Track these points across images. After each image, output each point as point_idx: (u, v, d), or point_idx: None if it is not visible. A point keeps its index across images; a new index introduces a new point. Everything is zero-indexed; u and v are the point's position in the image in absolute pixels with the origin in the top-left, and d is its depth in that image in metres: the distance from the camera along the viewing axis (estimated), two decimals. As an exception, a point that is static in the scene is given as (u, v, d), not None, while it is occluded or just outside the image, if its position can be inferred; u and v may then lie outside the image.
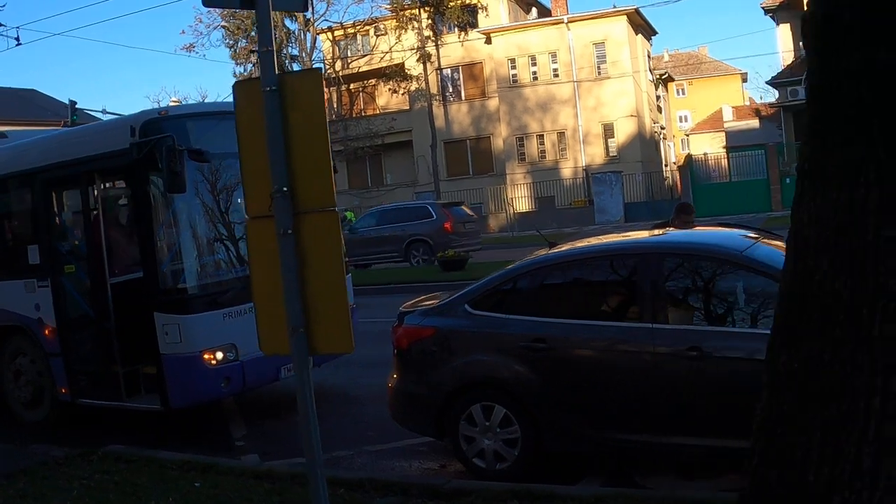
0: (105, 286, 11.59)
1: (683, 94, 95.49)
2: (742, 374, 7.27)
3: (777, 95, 52.79)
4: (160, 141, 10.64)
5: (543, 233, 12.66)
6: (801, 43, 48.84)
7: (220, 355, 11.21)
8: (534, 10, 63.82)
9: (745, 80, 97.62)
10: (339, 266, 5.91)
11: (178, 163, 10.56)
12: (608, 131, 57.89)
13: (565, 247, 9.74)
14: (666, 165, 69.03)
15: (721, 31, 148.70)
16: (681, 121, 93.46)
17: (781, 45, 56.52)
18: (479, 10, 58.77)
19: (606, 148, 58.17)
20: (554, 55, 57.97)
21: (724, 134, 77.34)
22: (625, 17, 57.83)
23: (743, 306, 8.15)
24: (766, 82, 57.06)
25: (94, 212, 11.89)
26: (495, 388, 8.58)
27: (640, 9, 58.19)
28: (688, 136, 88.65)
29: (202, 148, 11.03)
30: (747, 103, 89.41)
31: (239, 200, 11.69)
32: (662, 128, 69.93)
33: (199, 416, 12.07)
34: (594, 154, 57.77)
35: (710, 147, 77.48)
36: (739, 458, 4.69)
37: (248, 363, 11.37)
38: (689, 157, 53.33)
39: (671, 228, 11.26)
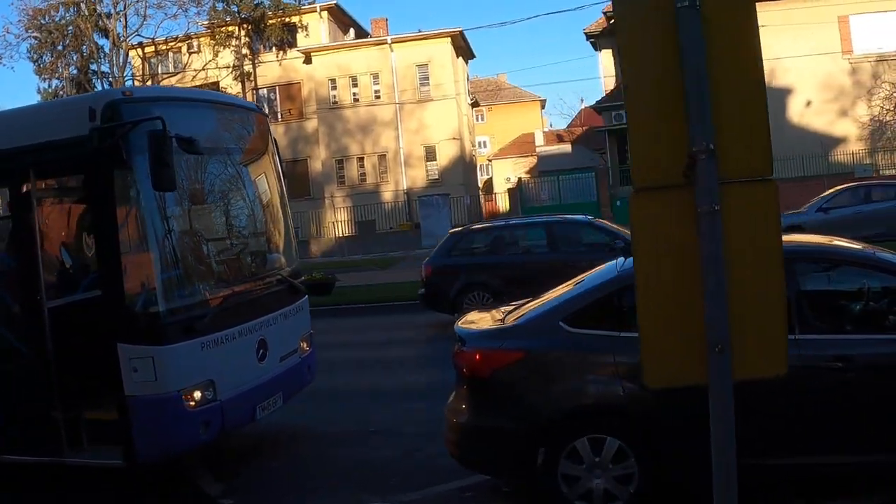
0: (40, 310, 9.13)
1: (483, 119, 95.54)
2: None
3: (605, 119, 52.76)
4: (141, 126, 8.56)
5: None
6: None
7: (198, 395, 9.08)
8: (351, 30, 62.30)
9: (543, 107, 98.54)
10: (778, 257, 4.14)
11: (169, 153, 8.48)
12: (430, 154, 57.14)
13: None
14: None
15: (522, 59, 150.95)
16: (480, 146, 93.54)
17: (603, 70, 56.90)
18: (299, 30, 57.20)
19: (427, 171, 57.25)
20: (376, 76, 56.84)
21: (526, 159, 77.83)
22: (449, 39, 57.29)
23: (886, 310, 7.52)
24: (591, 107, 57.27)
25: (28, 217, 9.31)
26: (607, 416, 7.46)
27: (464, 31, 57.69)
28: (490, 161, 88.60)
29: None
30: (547, 129, 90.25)
31: (216, 202, 9.53)
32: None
33: (156, 472, 9.81)
34: (416, 177, 56.90)
35: (513, 172, 77.82)
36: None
37: (226, 403, 9.36)
38: (519, 181, 53.12)
39: None
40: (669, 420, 7.11)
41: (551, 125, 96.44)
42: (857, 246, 8.20)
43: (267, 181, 11.10)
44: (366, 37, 61.42)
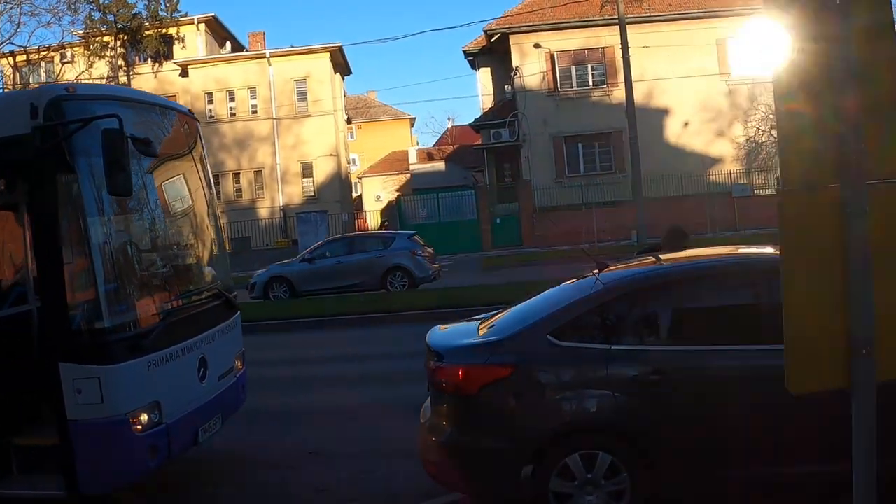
0: None
1: (353, 137, 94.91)
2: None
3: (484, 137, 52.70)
4: (94, 124, 7.90)
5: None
6: (506, 87, 50.00)
7: (144, 418, 8.35)
8: (228, 44, 61.17)
9: (412, 125, 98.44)
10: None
11: (126, 155, 7.85)
12: (307, 170, 56.51)
13: (664, 262, 8.69)
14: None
15: (394, 77, 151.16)
16: (351, 164, 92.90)
17: (482, 88, 57.03)
18: (176, 41, 55.90)
19: (304, 187, 56.59)
20: (254, 90, 56.03)
21: (397, 177, 77.67)
22: (328, 54, 56.78)
23: None
24: (470, 125, 57.22)
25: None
26: (599, 431, 7.28)
27: (343, 47, 57.27)
28: (360, 178, 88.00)
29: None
30: (417, 147, 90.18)
31: (160, 211, 8.88)
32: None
33: None
34: (292, 193, 56.21)
35: (383, 190, 77.52)
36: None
37: (172, 426, 8.68)
38: (398, 198, 52.75)
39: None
40: (662, 434, 7.08)
41: (419, 143, 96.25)
42: None
43: (203, 190, 10.44)
44: (243, 51, 60.37)
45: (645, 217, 42.05)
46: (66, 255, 8.02)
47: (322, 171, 56.45)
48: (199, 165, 10.36)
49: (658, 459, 7.15)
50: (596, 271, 8.13)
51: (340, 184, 58.01)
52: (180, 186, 9.93)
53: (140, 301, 8.69)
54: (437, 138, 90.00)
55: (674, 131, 51.49)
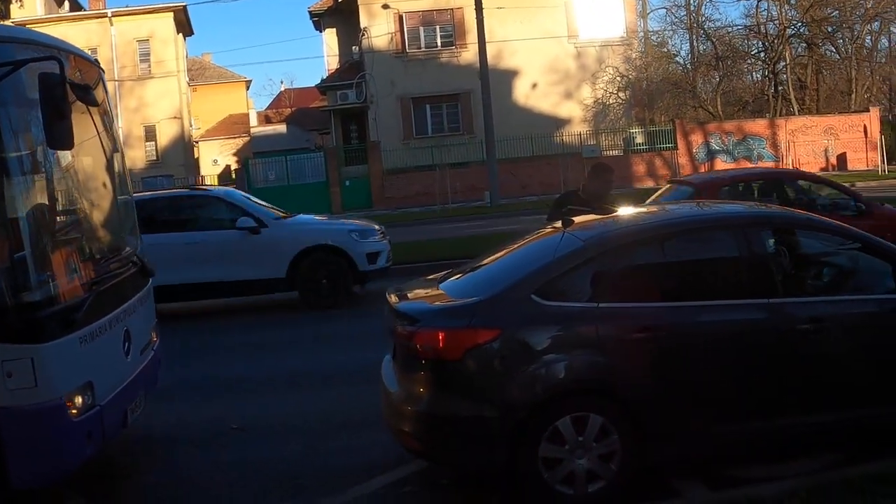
0: None
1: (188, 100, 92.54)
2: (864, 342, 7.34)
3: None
4: (27, 68, 7.05)
5: None
6: (353, 48, 49.32)
7: (79, 401, 7.49)
8: (66, 3, 58.54)
9: (248, 88, 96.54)
10: None
11: (67, 104, 6.99)
12: (150, 134, 54.66)
13: (644, 217, 8.78)
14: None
15: (231, 39, 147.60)
16: (191, 127, 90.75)
17: (327, 49, 56.14)
18: (13, 1, 53.02)
19: (147, 151, 54.85)
20: (94, 51, 53.54)
21: (234, 140, 76.36)
22: (171, 14, 54.94)
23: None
24: (316, 86, 56.20)
25: None
26: (589, 393, 7.03)
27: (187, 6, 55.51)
28: (197, 143, 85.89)
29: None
30: (254, 110, 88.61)
31: (81, 169, 8.08)
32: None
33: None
34: (135, 157, 54.33)
35: (220, 154, 76.00)
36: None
37: (105, 408, 7.85)
38: (245, 160, 51.57)
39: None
40: (652, 393, 6.98)
41: (255, 106, 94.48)
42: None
43: (115, 147, 9.53)
44: (82, 10, 58.02)
45: (498, 178, 42.03)
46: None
47: (166, 135, 54.87)
48: (108, 121, 9.43)
49: (648, 419, 6.98)
50: (557, 229, 7.92)
51: (184, 147, 56.42)
52: (96, 143, 8.99)
53: (68, 271, 7.77)
54: (271, 101, 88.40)
55: (522, 93, 51.66)
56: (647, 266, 7.69)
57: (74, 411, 7.35)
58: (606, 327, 7.07)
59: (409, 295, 8.15)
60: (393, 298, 8.07)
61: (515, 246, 8.56)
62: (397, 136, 50.96)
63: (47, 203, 7.90)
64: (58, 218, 8.20)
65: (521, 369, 6.93)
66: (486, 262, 8.41)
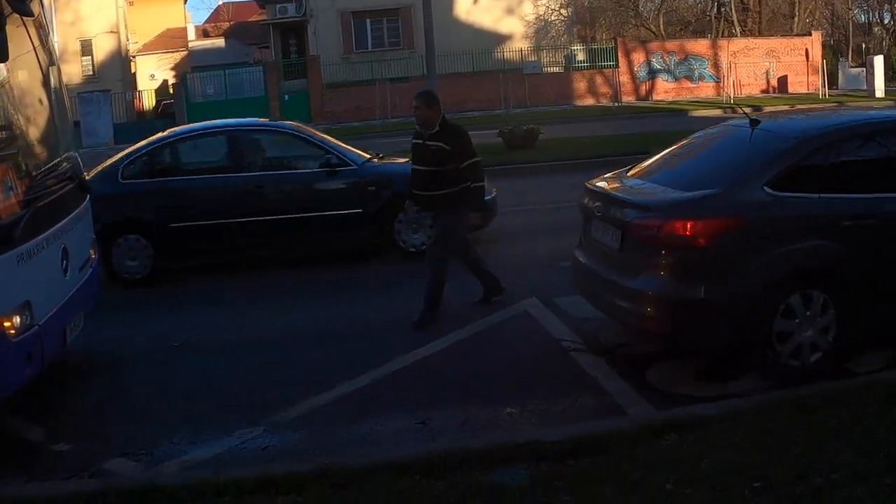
0: None
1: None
2: None
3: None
4: None
5: None
6: None
7: (17, 321, 7.35)
8: None
9: (186, 2, 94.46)
10: None
11: (1, 13, 6.97)
12: (86, 48, 53.40)
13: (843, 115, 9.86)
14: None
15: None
16: (128, 41, 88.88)
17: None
18: None
19: (83, 66, 53.62)
20: (25, -41, 51.99)
21: (172, 55, 75.00)
22: (106, -78, 53.30)
23: None
24: (255, 0, 55.20)
25: None
26: (815, 273, 7.85)
27: None
28: (134, 57, 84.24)
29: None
30: (192, 24, 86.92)
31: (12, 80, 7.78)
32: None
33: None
34: (71, 73, 53.03)
35: (158, 69, 74.76)
36: None
37: (44, 328, 7.74)
38: (183, 75, 50.66)
39: None
40: (866, 275, 7.76)
41: (192, 20, 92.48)
42: None
43: (52, 60, 9.25)
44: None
45: (438, 93, 41.56)
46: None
47: (102, 49, 53.73)
48: (44, 34, 9.14)
49: (861, 296, 7.78)
50: (744, 125, 8.67)
51: (121, 62, 55.26)
52: (31, 57, 8.71)
53: (3, 188, 7.55)
54: (209, 15, 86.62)
55: (464, 8, 51.16)
56: (861, 159, 8.29)
57: (12, 332, 7.22)
58: (828, 215, 7.82)
59: (629, 187, 8.89)
60: (610, 190, 8.89)
61: (694, 143, 9.47)
62: (337, 50, 50.31)
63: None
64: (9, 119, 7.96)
65: (760, 253, 7.65)
66: (663, 160, 9.31)
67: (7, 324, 7.14)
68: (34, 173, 8.26)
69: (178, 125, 41.62)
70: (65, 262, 8.41)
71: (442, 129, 9.89)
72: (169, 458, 7.19)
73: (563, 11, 53.19)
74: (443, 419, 7.58)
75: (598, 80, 50.11)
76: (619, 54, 50.19)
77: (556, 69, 50.66)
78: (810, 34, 53.28)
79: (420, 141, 10.01)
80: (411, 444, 7.04)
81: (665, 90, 50.03)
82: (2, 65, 7.69)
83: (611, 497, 5.51)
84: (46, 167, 8.67)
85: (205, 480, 6.17)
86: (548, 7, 51.49)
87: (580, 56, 51.99)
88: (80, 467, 7.04)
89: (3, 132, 7.98)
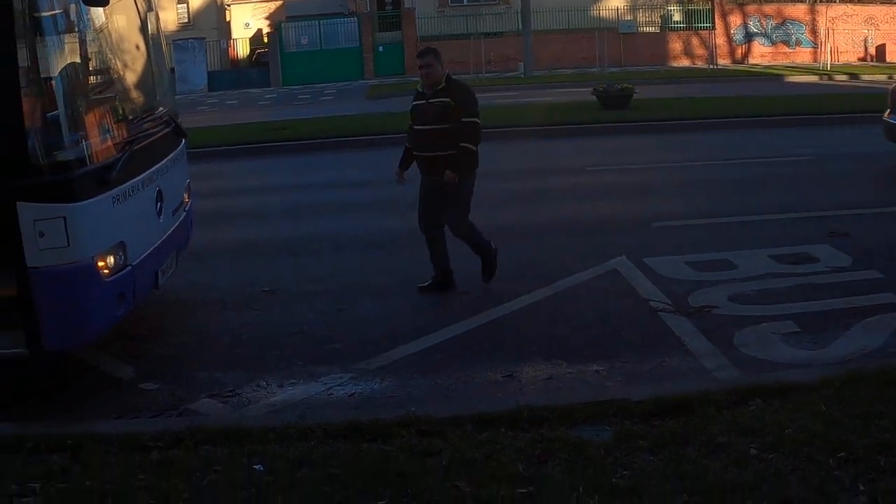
0: None
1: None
2: None
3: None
4: None
5: None
6: None
7: (111, 261, 7.47)
8: None
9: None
10: None
11: None
12: (182, -4, 53.86)
13: None
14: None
15: None
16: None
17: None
18: None
19: (178, 13, 54.13)
20: None
21: (266, 5, 74.98)
22: None
23: None
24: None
25: None
26: None
27: None
28: (229, 6, 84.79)
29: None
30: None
31: (108, 30, 7.91)
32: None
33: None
34: (167, 20, 53.35)
35: (252, 18, 74.98)
36: None
37: (137, 269, 7.84)
38: (278, 24, 50.87)
39: None
40: None
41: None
42: None
43: (150, 6, 9.37)
44: None
45: (533, 50, 41.41)
46: (23, 77, 6.93)
47: (198, -2, 53.96)
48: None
49: None
50: None
51: (217, 10, 55.68)
52: (130, 2, 8.81)
53: (101, 130, 7.67)
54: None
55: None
56: None
57: (106, 272, 7.33)
58: None
59: None
60: None
61: None
62: (432, 3, 50.10)
63: (80, 63, 7.76)
64: (91, 78, 8.08)
65: None
66: None
67: (101, 263, 7.25)
68: (131, 117, 8.38)
69: (271, 75, 42.20)
70: (159, 204, 8.52)
71: (448, 86, 9.45)
72: (255, 401, 7.33)
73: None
74: (528, 374, 7.61)
75: (694, 41, 49.24)
76: (716, 16, 49.22)
77: (651, 29, 49.94)
78: (911, 2, 51.74)
79: (423, 101, 9.49)
80: (497, 397, 7.07)
81: (761, 54, 48.99)
82: (101, 9, 7.76)
83: (695, 459, 5.47)
84: (143, 111, 8.78)
85: (291, 424, 6.27)
86: (646, -36, 50.72)
87: (676, 16, 51.09)
88: (167, 406, 7.23)
89: (102, 76, 8.09)
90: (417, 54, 9.76)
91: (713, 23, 48.69)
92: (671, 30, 50.01)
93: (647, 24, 50.45)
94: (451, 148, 9.28)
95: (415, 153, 9.66)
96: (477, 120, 9.51)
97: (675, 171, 16.25)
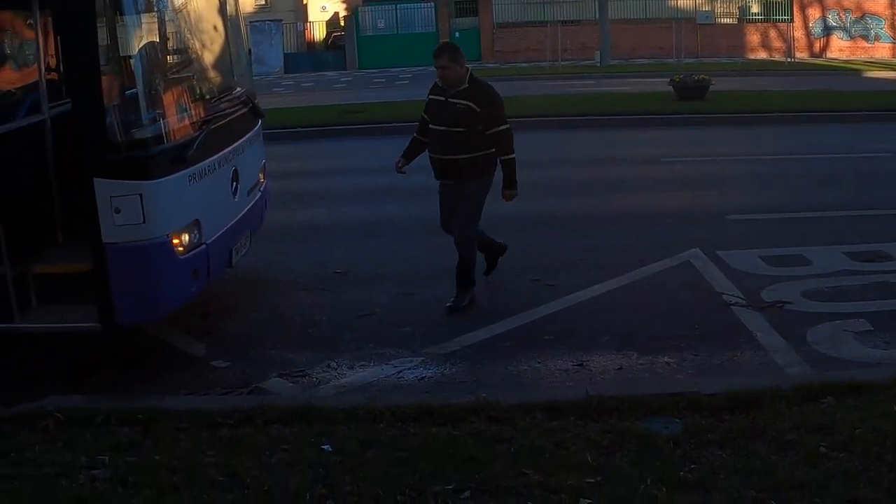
0: None
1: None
2: None
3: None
4: None
5: None
6: None
7: (186, 239, 7.58)
8: None
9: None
10: None
11: None
12: (259, -21, 54.22)
13: None
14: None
15: None
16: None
17: None
18: None
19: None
20: None
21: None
22: None
23: None
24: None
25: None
26: None
27: None
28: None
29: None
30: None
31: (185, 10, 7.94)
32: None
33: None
34: (244, 2, 53.74)
35: (329, 1, 75.17)
36: None
37: (211, 247, 7.94)
38: (355, 8, 50.98)
39: None
40: None
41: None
42: None
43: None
44: None
45: (610, 39, 41.15)
46: (101, 58, 6.99)
47: (275, -20, 54.28)
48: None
49: None
50: None
51: (294, -8, 55.92)
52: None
53: (179, 109, 7.75)
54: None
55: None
56: None
57: (181, 249, 7.43)
58: None
59: None
60: None
61: None
62: (510, -11, 49.97)
63: (159, 42, 7.84)
64: (170, 57, 8.16)
65: None
66: None
67: (176, 241, 7.34)
68: (208, 97, 8.47)
69: (347, 58, 42.38)
70: (235, 184, 8.60)
71: (472, 87, 8.62)
72: (325, 381, 7.39)
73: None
74: (599, 363, 7.58)
75: (772, 33, 48.52)
76: (795, 8, 48.41)
77: (729, 20, 49.29)
78: None
79: (441, 98, 8.67)
80: (567, 386, 7.07)
81: (839, 48, 48.10)
82: None
83: (764, 455, 5.41)
84: (221, 91, 8.86)
85: (361, 405, 6.30)
86: (725, -45, 50.07)
87: (754, 8, 50.36)
88: (237, 384, 7.30)
89: (180, 56, 8.18)
90: (433, 53, 8.74)
91: (792, 15, 47.92)
92: (749, 21, 49.35)
93: (725, 14, 49.81)
94: (466, 152, 8.54)
95: (430, 154, 8.91)
96: (508, 128, 8.68)
97: (751, 165, 16.05)
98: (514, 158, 8.69)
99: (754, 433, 5.70)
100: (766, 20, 48.50)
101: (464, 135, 8.50)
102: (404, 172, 9.24)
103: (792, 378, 6.84)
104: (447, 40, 9.09)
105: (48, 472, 5.43)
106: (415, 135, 9.17)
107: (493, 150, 8.63)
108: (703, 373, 7.24)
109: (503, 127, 8.60)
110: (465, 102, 8.49)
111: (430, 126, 8.79)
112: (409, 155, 9.19)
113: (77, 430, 6.05)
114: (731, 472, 5.21)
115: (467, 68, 8.71)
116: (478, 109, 8.48)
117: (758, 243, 10.56)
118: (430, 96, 8.87)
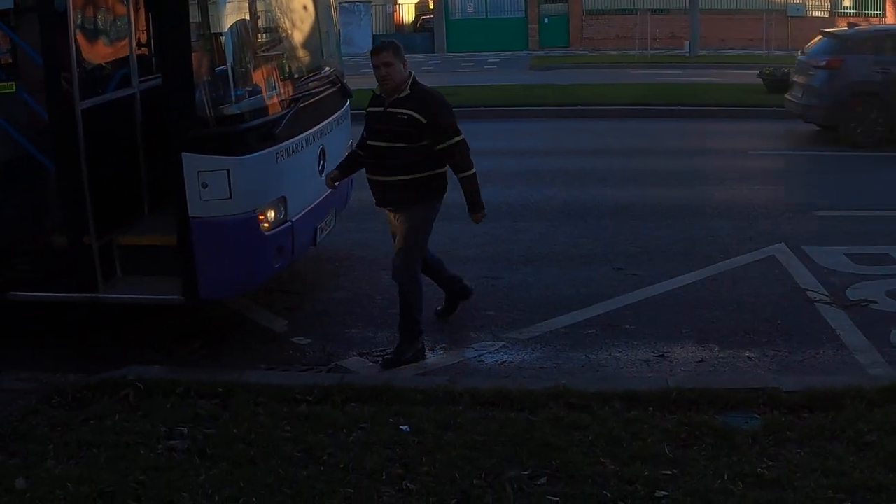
0: (72, 112, 7.11)
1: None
2: None
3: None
4: None
5: None
6: None
7: (272, 215, 7.62)
8: None
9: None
10: None
11: None
12: (348, -42, 54.09)
13: None
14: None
15: None
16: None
17: None
18: None
19: (347, -24, 54.43)
20: None
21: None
22: None
23: None
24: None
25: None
26: None
27: None
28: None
29: None
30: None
31: None
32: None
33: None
34: (336, -18, 53.92)
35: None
36: None
37: (296, 224, 7.95)
38: (443, -8, 50.89)
39: None
40: None
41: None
42: None
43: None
44: None
45: (699, 29, 40.68)
46: (196, 34, 7.16)
47: (363, -40, 54.21)
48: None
49: None
50: None
51: (385, -26, 55.89)
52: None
53: (268, 86, 7.82)
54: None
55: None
56: None
57: (266, 225, 7.49)
58: None
59: None
60: None
61: None
62: (600, -24, 49.58)
63: (249, 20, 7.90)
64: (259, 35, 8.22)
65: None
66: None
67: (262, 217, 7.41)
68: (297, 75, 8.54)
69: (436, 41, 42.34)
70: (322, 163, 8.65)
71: (414, 93, 7.22)
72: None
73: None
74: (679, 355, 7.54)
75: (863, 28, 47.58)
76: (888, 3, 47.44)
77: (820, 13, 48.36)
78: None
79: (380, 108, 7.32)
80: (647, 376, 7.04)
81: (930, 44, 46.99)
82: None
83: (842, 455, 5.34)
84: (310, 71, 8.92)
85: (440, 387, 6.34)
86: (820, -54, 49.15)
87: (846, 2, 49.40)
88: (317, 361, 7.40)
89: (270, 35, 8.25)
90: (371, 51, 7.39)
91: (884, 10, 46.94)
92: (840, 15, 48.30)
93: (816, 7, 48.90)
94: (409, 172, 7.24)
95: (367, 175, 7.60)
96: (463, 138, 7.34)
97: (840, 161, 15.76)
98: (475, 174, 7.39)
99: (833, 433, 5.62)
100: (857, 14, 47.46)
101: (406, 151, 7.18)
102: (335, 187, 8.19)
103: (874, 378, 6.73)
104: (386, 39, 8.71)
105: (127, 441, 5.55)
106: (355, 149, 7.96)
107: (441, 169, 7.40)
108: (783, 369, 7.14)
109: (457, 139, 7.27)
110: (407, 112, 7.13)
111: (368, 142, 7.45)
112: (343, 168, 8.00)
113: (157, 400, 6.16)
114: (808, 471, 5.15)
115: (410, 72, 7.34)
116: (423, 120, 7.12)
117: (845, 240, 10.38)
118: (369, 108, 7.44)
